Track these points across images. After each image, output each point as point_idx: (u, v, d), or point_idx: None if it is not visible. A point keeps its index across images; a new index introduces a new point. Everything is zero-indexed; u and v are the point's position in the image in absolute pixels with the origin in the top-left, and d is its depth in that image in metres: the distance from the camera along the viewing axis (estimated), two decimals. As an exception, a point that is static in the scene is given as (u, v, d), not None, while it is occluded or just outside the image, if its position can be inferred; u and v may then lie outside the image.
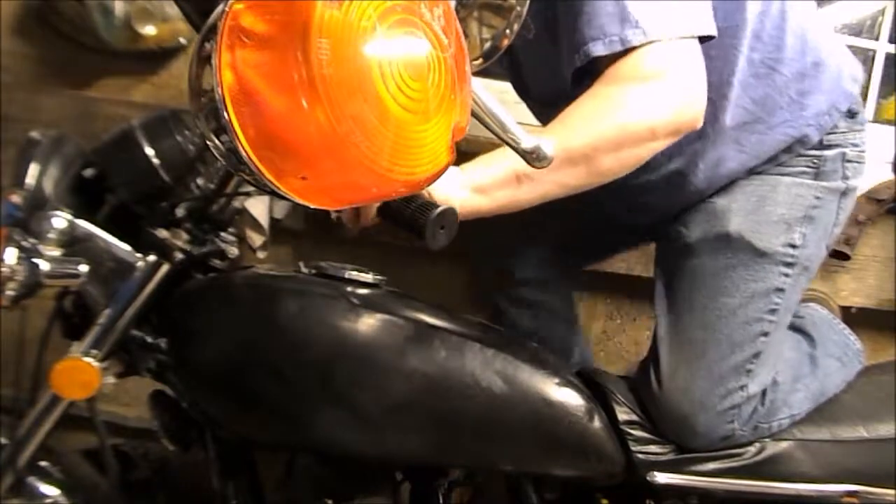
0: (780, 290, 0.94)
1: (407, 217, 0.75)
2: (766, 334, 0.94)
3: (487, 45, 0.81)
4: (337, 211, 0.88)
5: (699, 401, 0.92)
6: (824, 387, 1.01)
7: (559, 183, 0.82)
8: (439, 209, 0.73)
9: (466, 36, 0.80)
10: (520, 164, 0.76)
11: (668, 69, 0.81)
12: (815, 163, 0.96)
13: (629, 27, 0.79)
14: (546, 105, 0.77)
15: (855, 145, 0.98)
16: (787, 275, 0.94)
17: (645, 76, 0.81)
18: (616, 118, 0.81)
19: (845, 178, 0.98)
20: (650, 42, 0.80)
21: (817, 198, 0.96)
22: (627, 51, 0.80)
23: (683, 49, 0.82)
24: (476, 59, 0.82)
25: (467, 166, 0.82)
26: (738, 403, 0.93)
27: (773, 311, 0.94)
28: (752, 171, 0.97)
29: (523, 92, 1.10)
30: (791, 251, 0.94)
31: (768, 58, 0.93)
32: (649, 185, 0.95)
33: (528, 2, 0.77)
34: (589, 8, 0.82)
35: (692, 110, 0.83)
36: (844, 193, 0.99)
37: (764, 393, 0.96)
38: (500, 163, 0.81)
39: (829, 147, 0.97)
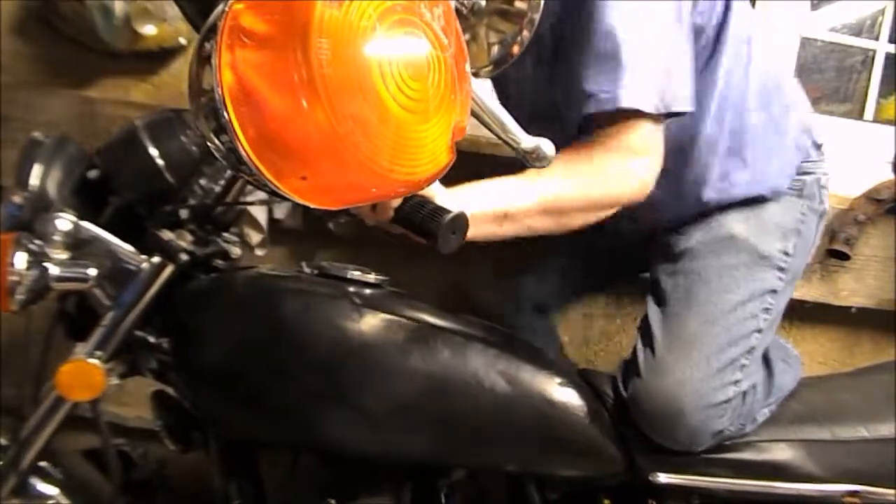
0: (774, 291, 0.99)
1: (419, 221, 0.75)
2: (759, 331, 0.98)
3: (495, 50, 0.81)
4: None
5: (695, 392, 0.93)
6: (781, 384, 1.04)
7: (530, 227, 0.87)
8: (452, 214, 0.73)
9: (475, 41, 0.81)
10: (509, 205, 0.84)
11: (652, 146, 0.90)
12: (797, 185, 1.04)
13: (625, 88, 0.85)
14: (530, 119, 0.79)
15: (825, 173, 1.07)
16: (780, 278, 1.00)
17: (633, 150, 0.88)
18: (597, 188, 0.89)
19: (822, 201, 1.06)
20: (641, 115, 0.86)
21: (802, 214, 1.03)
22: (623, 118, 0.87)
23: (661, 126, 0.90)
24: (486, 66, 0.82)
25: (461, 191, 0.83)
26: (731, 397, 0.94)
27: (767, 311, 0.99)
28: None
29: (505, 99, 1.10)
30: (785, 258, 1.00)
31: (731, 118, 1.00)
32: (662, 201, 0.98)
33: (541, 8, 0.78)
34: (593, 50, 0.87)
35: (652, 185, 0.91)
36: (822, 216, 1.07)
37: (744, 393, 0.97)
38: (494, 199, 0.84)
39: (807, 174, 1.05)
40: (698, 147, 0.99)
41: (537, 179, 0.86)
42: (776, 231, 1.01)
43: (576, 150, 0.89)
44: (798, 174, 1.04)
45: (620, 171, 0.89)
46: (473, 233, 0.78)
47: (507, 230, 0.86)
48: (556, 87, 0.95)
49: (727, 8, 0.96)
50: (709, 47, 0.96)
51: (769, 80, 1.03)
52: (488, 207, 0.83)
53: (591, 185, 0.88)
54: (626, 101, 0.85)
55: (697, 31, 0.93)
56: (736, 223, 1.01)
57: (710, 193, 1.01)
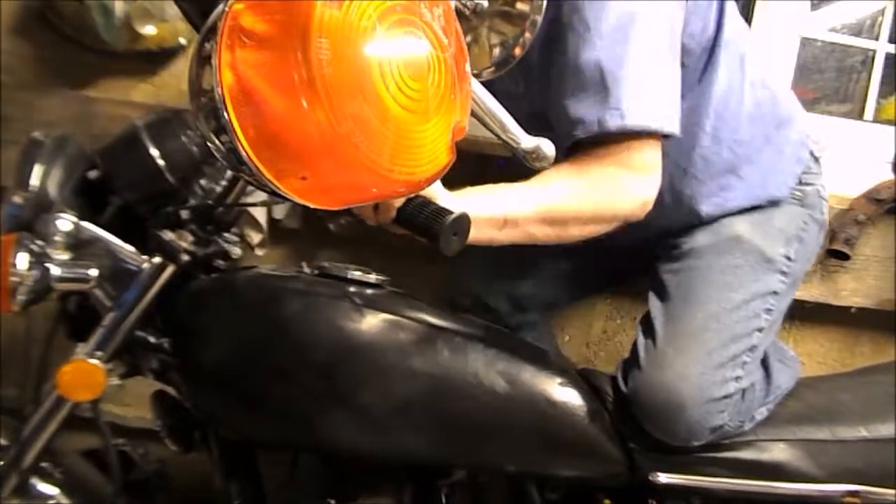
0: (776, 293, 1.01)
1: (421, 222, 0.75)
2: (761, 330, 0.99)
3: (497, 52, 0.82)
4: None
5: (696, 386, 0.93)
6: (779, 382, 1.05)
7: (530, 234, 0.88)
8: (453, 215, 0.73)
9: (477, 43, 0.81)
10: (509, 211, 0.84)
11: (652, 165, 0.90)
12: (798, 195, 1.07)
13: (609, 111, 0.86)
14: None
15: (823, 186, 1.10)
16: (783, 281, 1.02)
17: (633, 167, 0.89)
18: (597, 202, 0.89)
19: (822, 212, 1.10)
20: (638, 132, 0.87)
21: (804, 223, 1.06)
22: (625, 137, 0.87)
23: (660, 146, 0.91)
24: (488, 67, 0.82)
25: (462, 195, 0.83)
26: (731, 393, 0.94)
27: (768, 311, 1.00)
28: None
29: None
30: (787, 262, 1.03)
31: (728, 134, 1.02)
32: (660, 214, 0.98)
33: (543, 10, 0.78)
34: (577, 76, 0.88)
35: (651, 204, 0.92)
36: (822, 226, 1.10)
37: (744, 391, 0.97)
38: (494, 204, 0.85)
39: (808, 185, 1.08)
40: (695, 163, 1.01)
41: (538, 187, 0.87)
42: (780, 236, 1.03)
43: (578, 161, 0.89)
44: (799, 184, 1.07)
45: (621, 187, 0.89)
46: (474, 236, 0.79)
47: (507, 236, 0.86)
48: (546, 107, 0.96)
49: (719, 27, 0.98)
50: (702, 64, 0.98)
51: (765, 95, 1.05)
52: (488, 212, 0.83)
53: (590, 197, 0.89)
54: (613, 123, 0.86)
55: (689, 52, 0.95)
56: (742, 225, 1.03)
57: (707, 208, 1.04)
